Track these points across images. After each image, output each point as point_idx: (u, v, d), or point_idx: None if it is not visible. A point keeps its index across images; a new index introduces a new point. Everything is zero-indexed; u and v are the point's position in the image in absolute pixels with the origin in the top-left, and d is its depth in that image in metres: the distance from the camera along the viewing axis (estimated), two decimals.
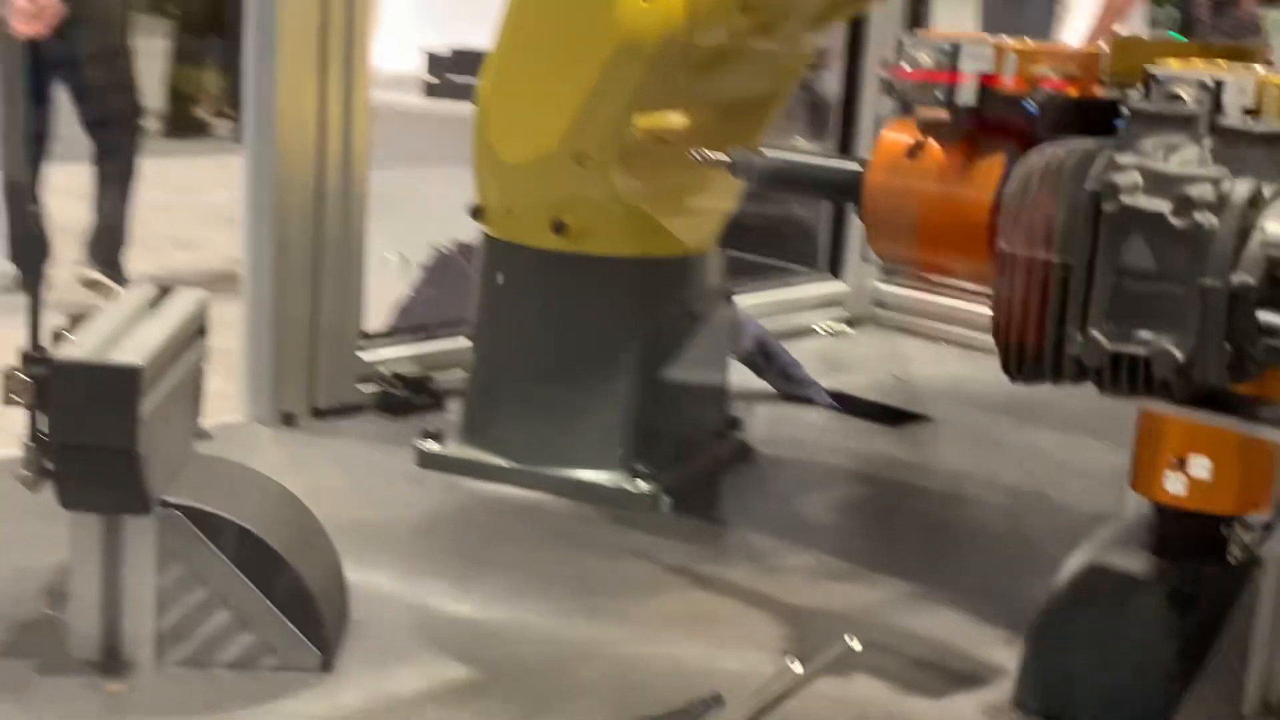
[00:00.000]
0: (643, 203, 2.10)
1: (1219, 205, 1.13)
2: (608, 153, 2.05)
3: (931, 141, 1.51)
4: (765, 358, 2.56)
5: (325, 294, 2.37)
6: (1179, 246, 1.14)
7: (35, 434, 1.57)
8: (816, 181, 1.73)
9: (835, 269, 3.13)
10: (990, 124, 1.48)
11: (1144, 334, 1.18)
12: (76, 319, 1.65)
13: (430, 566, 1.94)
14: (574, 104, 2.03)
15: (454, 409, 2.37)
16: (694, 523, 2.13)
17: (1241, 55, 1.45)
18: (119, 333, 1.61)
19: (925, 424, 2.58)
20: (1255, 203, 1.13)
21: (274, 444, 2.33)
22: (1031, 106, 1.42)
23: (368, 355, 2.47)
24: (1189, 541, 1.45)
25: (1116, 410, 1.43)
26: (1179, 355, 1.14)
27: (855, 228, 2.89)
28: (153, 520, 1.60)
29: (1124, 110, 1.31)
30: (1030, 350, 1.26)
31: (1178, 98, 1.19)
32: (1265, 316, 1.11)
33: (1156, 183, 1.16)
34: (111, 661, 1.62)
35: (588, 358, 2.13)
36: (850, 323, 3.11)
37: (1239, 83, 1.22)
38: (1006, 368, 1.32)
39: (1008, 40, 1.50)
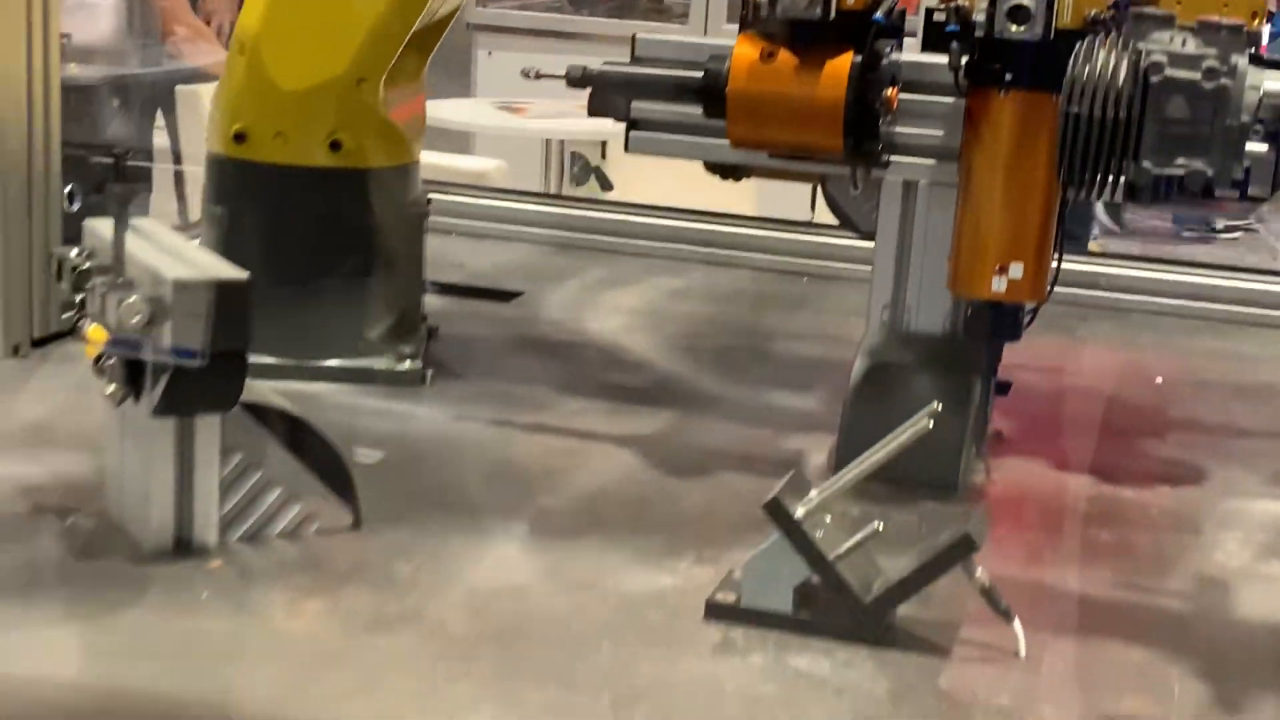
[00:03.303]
0: (395, 118, 2.45)
1: (1231, 72, 1.80)
2: (380, 74, 2.39)
3: (784, 49, 2.03)
4: None
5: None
6: (1206, 102, 1.80)
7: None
8: (668, 88, 2.18)
9: None
10: (832, 33, 2.01)
11: (1180, 160, 1.83)
12: None
13: None
14: (361, 31, 2.35)
15: None
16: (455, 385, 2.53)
17: None
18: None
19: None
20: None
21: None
22: (880, 18, 2.01)
23: None
24: (999, 327, 2.12)
25: None
26: (1208, 172, 1.81)
27: None
28: (218, 417, 1.83)
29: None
30: (1091, 181, 1.86)
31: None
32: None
33: (1182, 61, 1.81)
34: (184, 548, 1.84)
35: (354, 257, 2.45)
36: None
37: None
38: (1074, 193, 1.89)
39: None
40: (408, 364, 2.49)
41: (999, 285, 2.03)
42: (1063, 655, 1.71)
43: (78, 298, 2.36)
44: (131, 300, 1.72)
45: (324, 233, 2.44)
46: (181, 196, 5.73)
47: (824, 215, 2.67)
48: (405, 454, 2.19)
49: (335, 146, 2.39)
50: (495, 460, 2.23)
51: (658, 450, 2.28)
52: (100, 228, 1.88)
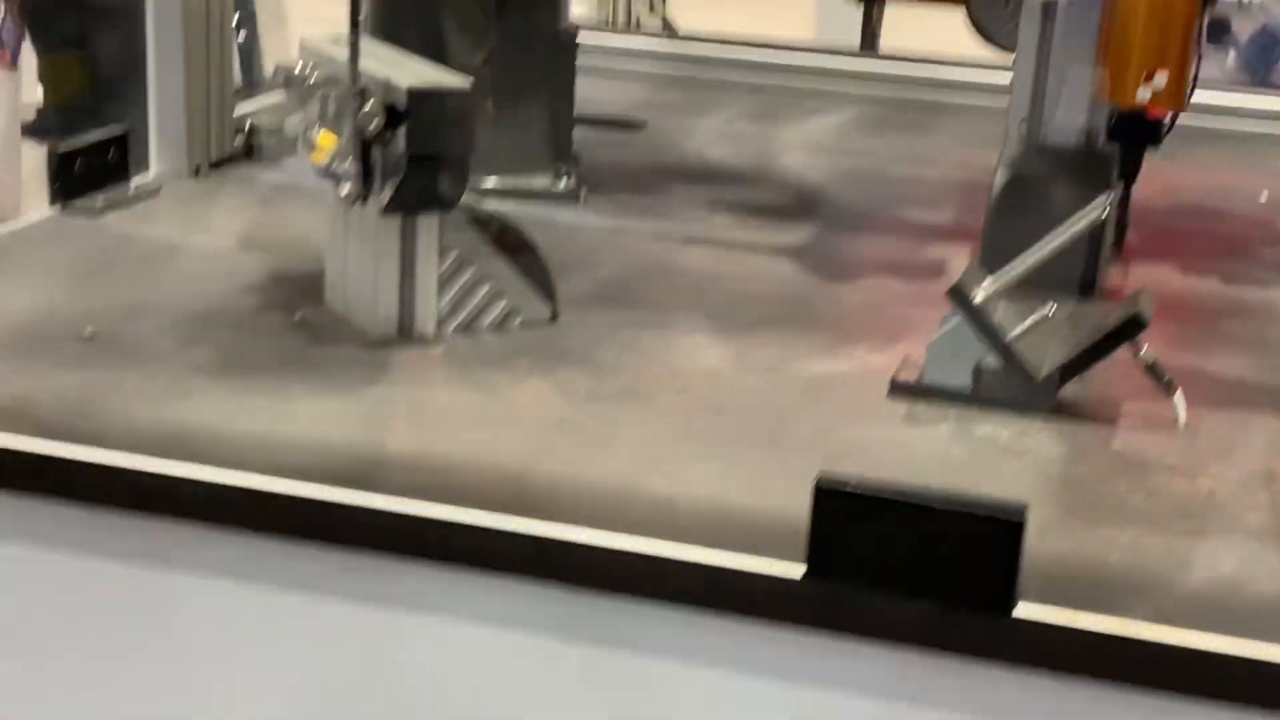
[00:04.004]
0: None
1: None
2: None
3: None
4: None
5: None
6: None
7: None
8: None
9: None
10: None
11: None
12: None
13: None
14: None
15: None
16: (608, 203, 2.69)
17: None
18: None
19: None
20: None
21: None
22: None
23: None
24: (1141, 134, 2.28)
25: None
26: None
27: None
28: (438, 217, 1.99)
29: None
30: None
31: None
32: None
33: None
34: (406, 338, 2.01)
35: (513, 80, 2.60)
36: None
37: None
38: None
39: None
40: (564, 182, 2.65)
41: (1144, 94, 2.17)
42: (1219, 424, 1.88)
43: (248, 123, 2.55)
44: (369, 108, 1.88)
45: (487, 58, 2.58)
46: None
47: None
48: (577, 260, 2.35)
49: None
50: (661, 265, 2.40)
51: (809, 258, 2.44)
52: (318, 44, 2.03)
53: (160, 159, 2.62)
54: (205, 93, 2.64)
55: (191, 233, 2.40)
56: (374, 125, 1.88)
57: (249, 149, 2.75)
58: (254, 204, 2.55)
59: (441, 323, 2.02)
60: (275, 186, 2.64)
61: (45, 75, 3.41)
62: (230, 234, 2.40)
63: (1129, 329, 1.83)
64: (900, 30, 4.26)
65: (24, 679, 1.77)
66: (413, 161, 1.89)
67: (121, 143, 2.51)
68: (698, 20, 5.49)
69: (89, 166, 2.45)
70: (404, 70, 1.95)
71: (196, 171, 2.65)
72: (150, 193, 2.53)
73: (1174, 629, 1.41)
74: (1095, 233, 2.25)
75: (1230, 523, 1.63)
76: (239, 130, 2.74)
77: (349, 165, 1.92)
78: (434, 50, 2.24)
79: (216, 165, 2.69)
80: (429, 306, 2.01)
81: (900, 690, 1.48)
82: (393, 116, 1.88)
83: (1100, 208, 1.89)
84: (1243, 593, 1.50)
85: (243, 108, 2.80)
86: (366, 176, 1.93)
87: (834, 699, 1.51)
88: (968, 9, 2.49)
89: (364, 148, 1.92)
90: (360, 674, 1.67)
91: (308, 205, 2.52)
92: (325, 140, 1.96)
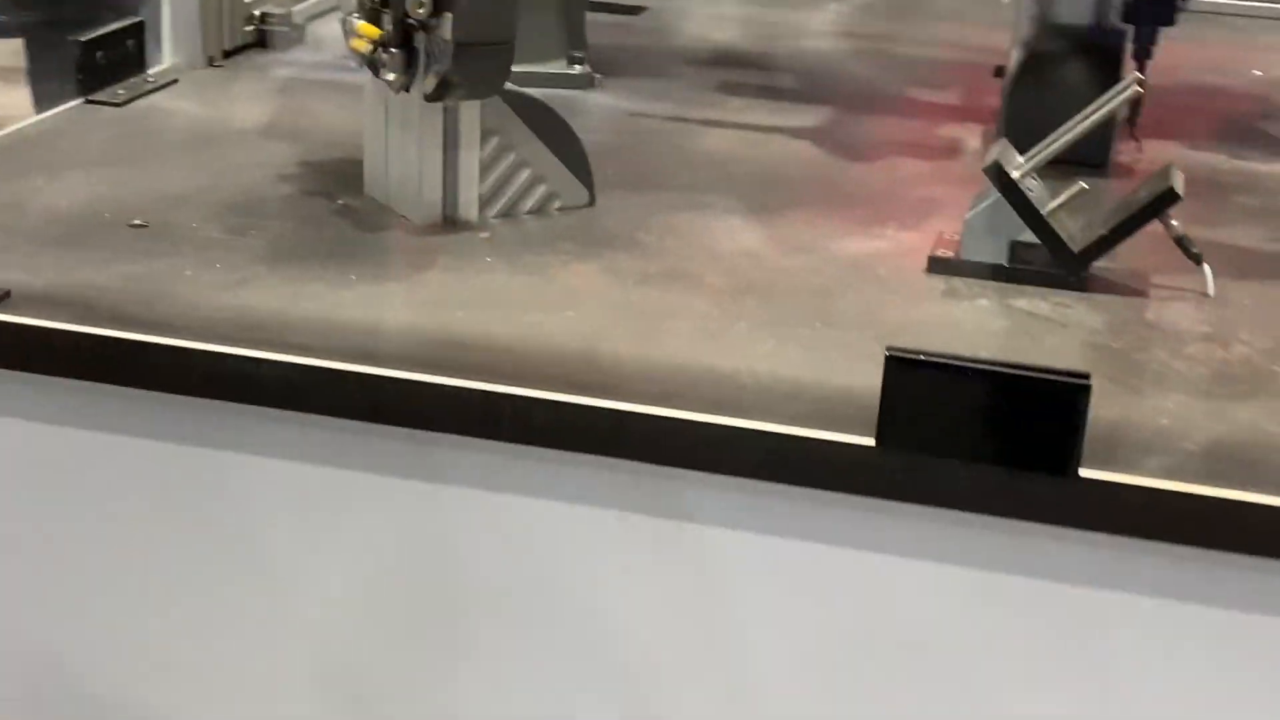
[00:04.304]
0: None
1: None
2: None
3: None
4: None
5: None
6: None
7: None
8: None
9: None
10: None
11: None
12: None
13: None
14: None
15: None
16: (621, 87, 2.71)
17: None
18: None
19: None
20: None
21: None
22: None
23: None
24: (1156, 14, 2.32)
25: None
26: None
27: None
28: (479, 103, 2.02)
29: None
30: None
31: None
32: None
33: None
34: (450, 223, 2.04)
35: None
36: None
37: None
38: None
39: None
40: (578, 68, 2.67)
41: None
42: (1247, 294, 1.94)
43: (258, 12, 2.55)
44: None
45: None
46: None
47: None
48: (600, 145, 2.37)
49: None
50: (683, 148, 2.43)
51: (828, 139, 2.48)
52: None
53: (176, 49, 2.62)
54: None
55: (217, 121, 2.41)
56: (422, 11, 1.90)
57: (260, 37, 2.75)
58: (274, 93, 2.56)
59: (483, 208, 2.06)
60: (291, 76, 2.65)
61: None
62: (256, 122, 2.41)
63: (1164, 201, 1.89)
64: None
65: (100, 566, 1.81)
66: (459, 48, 1.91)
67: (139, 31, 2.51)
68: None
69: (109, 57, 2.45)
70: None
71: (210, 61, 2.65)
72: (169, 82, 2.53)
73: (1228, 489, 1.48)
74: (1117, 112, 2.30)
75: (1269, 386, 1.70)
76: (250, 19, 2.74)
77: (391, 53, 1.94)
78: None
79: (229, 54, 2.69)
80: (471, 192, 2.04)
81: (969, 557, 1.55)
82: (439, 3, 1.90)
83: (1130, 84, 1.93)
84: None
85: None
86: (409, 64, 1.95)
87: (903, 565, 1.58)
88: None
89: (407, 35, 1.93)
90: (431, 555, 1.73)
91: (329, 93, 2.55)
92: (366, 29, 1.98)
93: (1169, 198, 1.89)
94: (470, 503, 1.69)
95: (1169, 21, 2.33)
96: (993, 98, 2.46)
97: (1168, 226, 1.92)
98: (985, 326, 1.84)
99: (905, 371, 1.51)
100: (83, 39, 2.40)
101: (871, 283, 1.95)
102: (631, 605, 1.68)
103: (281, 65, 2.70)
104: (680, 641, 1.68)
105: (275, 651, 1.81)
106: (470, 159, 2.02)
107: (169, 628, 1.83)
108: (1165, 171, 1.95)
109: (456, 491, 1.69)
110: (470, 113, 2.00)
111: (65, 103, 2.41)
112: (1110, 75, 2.37)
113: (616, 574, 1.68)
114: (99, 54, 2.42)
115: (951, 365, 1.50)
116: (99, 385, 1.71)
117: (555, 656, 1.71)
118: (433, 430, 1.65)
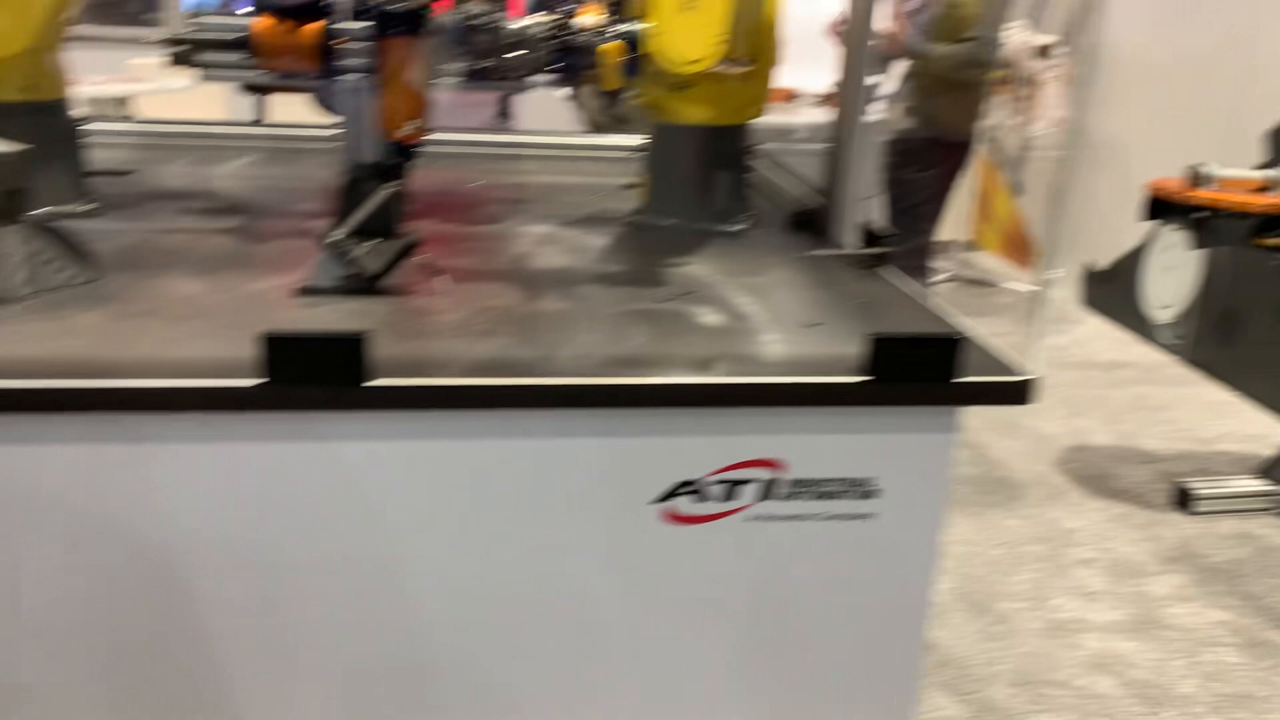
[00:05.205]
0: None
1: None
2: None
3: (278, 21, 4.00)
4: None
5: None
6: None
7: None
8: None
9: None
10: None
11: None
12: None
13: None
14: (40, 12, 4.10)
15: None
16: None
17: None
18: None
19: None
20: None
21: None
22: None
23: None
24: (406, 154, 4.24)
25: None
26: None
27: None
28: None
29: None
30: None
31: None
32: None
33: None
34: None
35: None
36: None
37: None
38: None
39: None
40: (88, 207, 4.37)
41: (404, 131, 4.13)
42: (465, 292, 3.88)
43: None
44: None
45: None
46: None
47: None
48: (106, 256, 4.07)
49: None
50: (157, 248, 4.18)
51: (244, 234, 4.29)
52: None
53: None
54: None
55: None
56: None
57: None
58: None
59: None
60: None
61: None
62: None
63: (411, 247, 3.79)
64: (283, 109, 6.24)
65: None
66: None
67: None
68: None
69: None
70: None
71: None
72: None
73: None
74: (392, 203, 4.22)
75: (469, 331, 3.59)
76: None
77: None
78: None
79: None
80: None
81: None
82: None
83: (391, 189, 3.82)
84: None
85: None
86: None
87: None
88: (316, 97, 4.35)
89: None
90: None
91: None
92: None
93: (413, 245, 3.79)
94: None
95: (413, 157, 4.23)
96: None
97: (421, 259, 3.83)
98: (323, 319, 3.67)
99: (283, 343, 3.31)
100: None
101: (264, 303, 3.75)
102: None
103: None
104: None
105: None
106: None
107: None
108: (409, 235, 3.85)
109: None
110: None
111: None
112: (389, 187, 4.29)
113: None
114: None
115: (319, 337, 3.32)
116: None
117: None
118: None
